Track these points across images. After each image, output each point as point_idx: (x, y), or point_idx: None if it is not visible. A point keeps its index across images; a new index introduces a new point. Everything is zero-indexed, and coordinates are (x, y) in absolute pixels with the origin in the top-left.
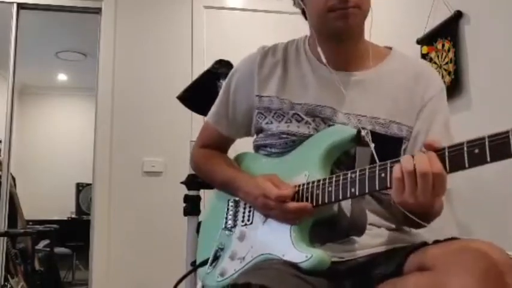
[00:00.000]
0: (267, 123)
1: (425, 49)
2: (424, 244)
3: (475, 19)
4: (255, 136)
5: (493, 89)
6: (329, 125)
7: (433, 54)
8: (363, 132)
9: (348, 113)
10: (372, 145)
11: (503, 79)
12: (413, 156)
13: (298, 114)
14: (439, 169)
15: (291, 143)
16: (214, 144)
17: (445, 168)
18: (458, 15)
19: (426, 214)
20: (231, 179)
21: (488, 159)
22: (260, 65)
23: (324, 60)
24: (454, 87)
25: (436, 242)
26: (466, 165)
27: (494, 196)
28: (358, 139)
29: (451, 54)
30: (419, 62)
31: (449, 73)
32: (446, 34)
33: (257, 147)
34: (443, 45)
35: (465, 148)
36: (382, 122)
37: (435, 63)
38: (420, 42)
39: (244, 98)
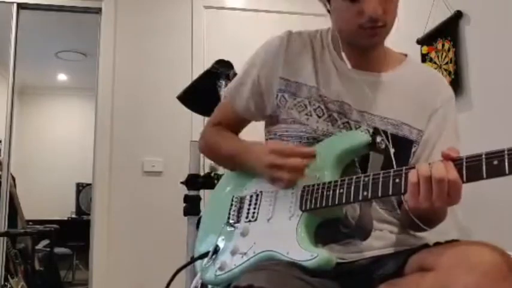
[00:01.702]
0: (284, 107)
1: (425, 49)
2: (426, 246)
3: (475, 19)
4: (266, 134)
5: (493, 89)
6: (343, 122)
7: (433, 54)
8: (378, 139)
9: (362, 111)
10: (392, 150)
11: (503, 79)
12: (430, 164)
13: (321, 109)
14: (454, 177)
15: (311, 139)
16: (228, 123)
17: (461, 177)
18: (458, 15)
19: (434, 220)
20: (239, 148)
21: (507, 171)
22: (287, 46)
23: (347, 62)
24: (454, 87)
25: (438, 244)
26: (484, 175)
27: (494, 197)
28: (372, 145)
29: (451, 54)
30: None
31: (449, 73)
32: (446, 34)
33: (273, 138)
34: (443, 45)
35: (484, 159)
36: (394, 123)
37: (435, 63)
38: (420, 42)
39: (267, 79)
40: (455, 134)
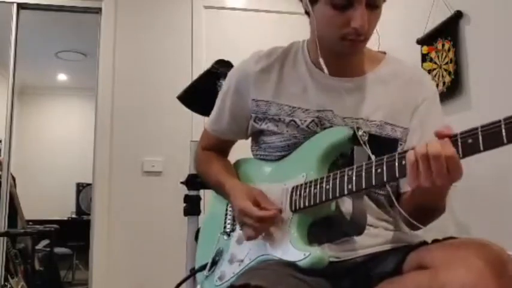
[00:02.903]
0: (261, 124)
1: (425, 49)
2: (423, 243)
3: (475, 19)
4: (252, 144)
5: (493, 89)
6: (325, 128)
7: (433, 54)
8: (360, 132)
9: (345, 117)
10: (367, 146)
11: (503, 79)
12: (426, 143)
13: (294, 121)
14: (451, 152)
15: (293, 146)
16: (215, 147)
17: (458, 153)
18: (458, 15)
19: (434, 210)
20: (222, 184)
21: (505, 140)
22: (254, 69)
23: (325, 69)
24: (454, 87)
25: (435, 241)
26: (481, 148)
27: (492, 195)
28: (355, 139)
29: (451, 54)
30: (413, 66)
31: (449, 73)
32: (446, 34)
33: (256, 152)
34: (443, 45)
35: (479, 132)
36: (378, 124)
37: (435, 63)
38: (420, 42)
39: (241, 103)
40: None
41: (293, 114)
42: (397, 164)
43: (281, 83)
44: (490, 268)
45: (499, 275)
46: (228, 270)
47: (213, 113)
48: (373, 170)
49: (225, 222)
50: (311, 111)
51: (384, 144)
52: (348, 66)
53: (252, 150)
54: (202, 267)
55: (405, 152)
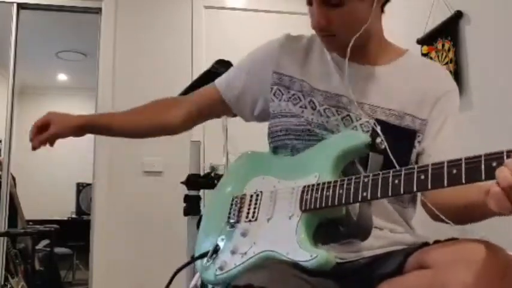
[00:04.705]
0: (280, 100)
1: (425, 49)
2: (425, 244)
3: (475, 19)
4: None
5: (493, 89)
6: (342, 117)
7: (433, 54)
8: (378, 140)
9: (364, 103)
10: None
11: (503, 79)
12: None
13: (313, 102)
14: None
15: (307, 132)
16: (207, 104)
17: None
18: (458, 15)
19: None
20: None
21: None
22: (282, 46)
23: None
24: None
25: (437, 242)
26: None
27: None
28: (372, 146)
29: (451, 54)
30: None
31: (449, 73)
32: (446, 34)
33: (271, 134)
34: (443, 45)
35: None
36: (396, 114)
37: None
38: (420, 42)
39: (260, 74)
40: (458, 124)
41: (312, 94)
42: (415, 177)
43: (307, 64)
44: (492, 269)
45: (500, 275)
46: (230, 261)
47: (226, 74)
48: (390, 180)
49: (229, 213)
50: (329, 96)
51: (402, 135)
52: (367, 54)
53: (269, 138)
54: (203, 255)
55: (424, 166)
